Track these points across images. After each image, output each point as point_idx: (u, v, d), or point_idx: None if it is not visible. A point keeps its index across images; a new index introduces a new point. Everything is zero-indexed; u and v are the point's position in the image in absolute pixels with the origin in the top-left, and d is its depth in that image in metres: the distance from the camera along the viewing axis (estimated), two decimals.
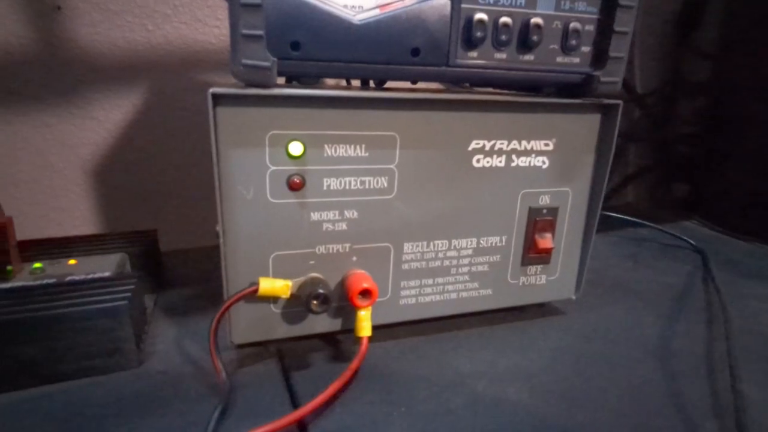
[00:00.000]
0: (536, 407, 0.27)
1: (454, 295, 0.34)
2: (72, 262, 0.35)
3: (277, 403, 0.27)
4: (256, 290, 0.28)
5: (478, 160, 0.32)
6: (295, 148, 0.28)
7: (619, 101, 0.32)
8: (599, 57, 0.31)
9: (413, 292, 0.33)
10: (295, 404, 0.27)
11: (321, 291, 0.28)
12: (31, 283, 0.32)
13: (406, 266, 0.32)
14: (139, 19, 0.51)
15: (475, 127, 0.31)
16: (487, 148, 0.32)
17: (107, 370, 0.30)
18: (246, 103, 0.26)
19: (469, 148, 0.31)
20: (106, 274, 0.34)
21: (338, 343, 0.33)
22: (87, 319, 0.29)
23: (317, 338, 0.34)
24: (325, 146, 0.28)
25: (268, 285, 0.28)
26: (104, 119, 0.52)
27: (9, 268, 0.33)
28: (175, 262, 0.47)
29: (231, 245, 0.28)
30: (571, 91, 0.32)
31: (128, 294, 0.30)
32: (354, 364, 0.28)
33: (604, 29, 0.30)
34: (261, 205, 0.28)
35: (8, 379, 0.28)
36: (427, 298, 0.34)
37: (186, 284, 0.42)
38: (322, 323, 0.31)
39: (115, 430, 0.25)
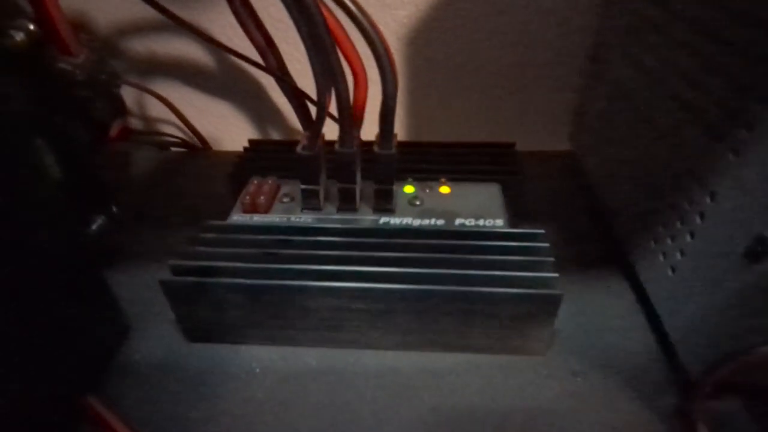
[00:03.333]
0: None
1: None
2: (445, 190, 0.29)
3: None
4: None
5: None
6: None
7: None
8: None
9: None
10: None
11: None
12: (419, 222, 0.26)
13: None
14: None
15: None
16: None
17: (506, 352, 0.24)
18: None
19: None
20: (499, 222, 0.26)
21: None
22: (509, 303, 0.22)
23: None
24: None
25: None
26: None
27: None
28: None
29: None
30: None
31: (554, 274, 0.22)
32: None
33: None
34: None
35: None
36: None
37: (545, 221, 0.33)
38: None
39: None
